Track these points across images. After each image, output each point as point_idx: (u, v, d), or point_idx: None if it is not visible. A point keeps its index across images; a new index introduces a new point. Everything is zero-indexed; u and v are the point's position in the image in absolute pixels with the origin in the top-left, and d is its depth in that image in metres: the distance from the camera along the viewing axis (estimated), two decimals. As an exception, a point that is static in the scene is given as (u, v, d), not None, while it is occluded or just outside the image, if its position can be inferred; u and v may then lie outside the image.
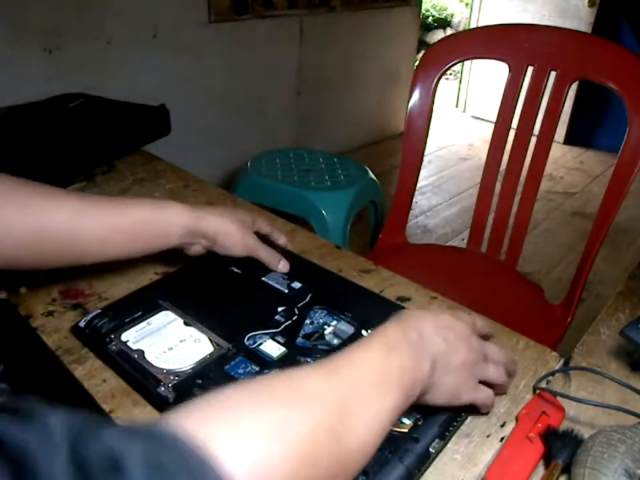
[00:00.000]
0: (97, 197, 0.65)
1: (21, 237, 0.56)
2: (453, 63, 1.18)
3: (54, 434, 0.23)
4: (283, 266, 0.72)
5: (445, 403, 0.48)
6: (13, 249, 0.57)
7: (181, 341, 0.60)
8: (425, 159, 1.48)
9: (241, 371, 0.56)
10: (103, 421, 0.26)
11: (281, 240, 0.76)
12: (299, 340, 0.61)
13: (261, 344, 0.60)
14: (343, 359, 0.41)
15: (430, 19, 6.20)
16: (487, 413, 0.53)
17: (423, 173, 1.89)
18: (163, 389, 0.53)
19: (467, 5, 5.86)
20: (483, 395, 0.51)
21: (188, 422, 0.29)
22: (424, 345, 0.45)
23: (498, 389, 0.54)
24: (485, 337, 0.55)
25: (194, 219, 0.66)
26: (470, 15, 4.14)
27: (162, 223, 0.65)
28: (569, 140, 3.70)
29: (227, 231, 0.68)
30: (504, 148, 1.17)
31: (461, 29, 6.02)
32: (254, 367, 0.56)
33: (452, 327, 0.49)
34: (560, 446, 0.48)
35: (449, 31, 6.14)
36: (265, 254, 0.71)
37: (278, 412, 0.33)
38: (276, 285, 0.70)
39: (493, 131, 1.18)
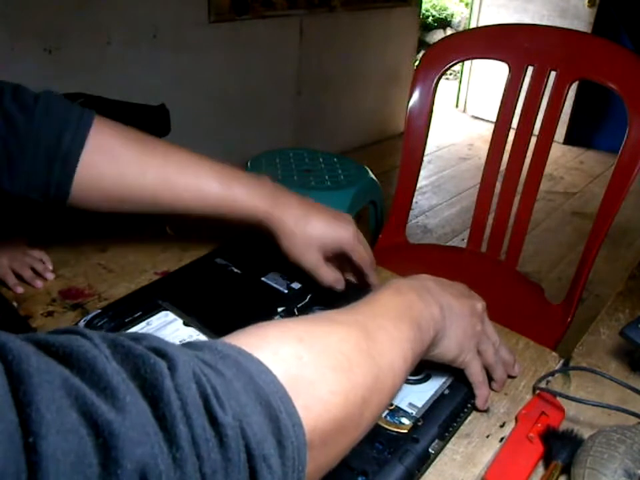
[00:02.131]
0: (181, 157, 0.62)
1: (111, 188, 0.60)
2: (453, 63, 1.18)
3: (93, 338, 0.25)
4: (339, 288, 0.65)
5: (453, 357, 0.49)
6: (101, 196, 0.60)
7: (181, 341, 0.59)
8: (425, 158, 1.48)
9: (240, 371, 0.56)
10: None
11: (371, 279, 0.67)
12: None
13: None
14: (358, 303, 0.43)
15: (430, 19, 6.20)
16: (486, 410, 0.54)
17: (423, 173, 1.89)
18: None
19: (466, 5, 5.86)
20: (477, 366, 0.51)
21: (224, 340, 0.32)
22: (430, 294, 0.47)
23: (495, 377, 0.55)
24: None
25: (263, 213, 0.62)
26: (470, 15, 4.14)
27: (234, 207, 0.62)
28: (569, 140, 3.69)
29: (287, 240, 0.63)
30: (504, 148, 1.17)
31: (461, 28, 6.02)
32: (254, 367, 0.56)
33: (453, 284, 0.52)
34: (560, 446, 0.48)
35: (449, 31, 6.14)
36: (321, 279, 0.64)
37: (302, 328, 0.36)
38: (276, 285, 0.70)
39: (493, 131, 1.18)
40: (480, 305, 0.53)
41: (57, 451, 0.20)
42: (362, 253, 0.65)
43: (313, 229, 0.62)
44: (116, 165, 0.59)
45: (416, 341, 0.42)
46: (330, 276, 0.64)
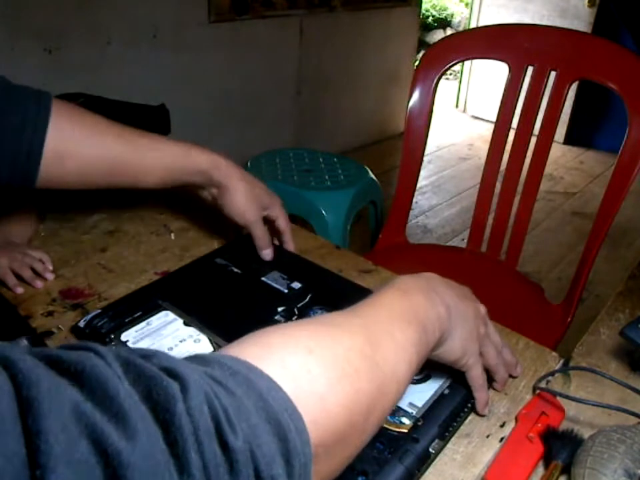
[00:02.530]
0: (140, 132, 0.69)
1: (76, 161, 0.64)
2: (453, 63, 1.18)
3: (106, 356, 0.25)
4: (267, 254, 0.74)
5: (455, 359, 0.49)
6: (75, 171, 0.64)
7: (181, 341, 0.59)
8: (425, 158, 1.48)
9: (240, 371, 0.56)
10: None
11: (289, 245, 0.78)
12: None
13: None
14: (362, 304, 0.43)
15: (430, 19, 6.20)
16: (483, 415, 0.53)
17: (423, 173, 1.89)
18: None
19: (466, 5, 5.86)
20: (478, 369, 0.51)
21: (229, 351, 0.32)
22: (437, 293, 0.47)
23: (496, 378, 0.54)
24: None
25: (212, 164, 0.70)
26: (470, 15, 4.14)
27: (187, 163, 0.70)
28: (569, 140, 3.69)
29: (234, 191, 0.71)
30: (504, 148, 1.17)
31: (461, 28, 6.02)
32: (254, 367, 0.56)
33: (459, 287, 0.51)
34: (560, 446, 0.48)
35: (449, 31, 6.14)
36: (258, 232, 0.73)
37: (308, 339, 0.35)
38: (276, 285, 0.70)
39: (493, 131, 1.18)
40: (483, 308, 0.53)
41: None
42: (286, 219, 0.76)
43: (256, 188, 0.73)
44: (78, 140, 0.64)
45: (421, 344, 0.42)
46: (266, 234, 0.73)
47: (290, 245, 0.78)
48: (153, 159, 0.68)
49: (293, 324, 0.38)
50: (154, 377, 0.25)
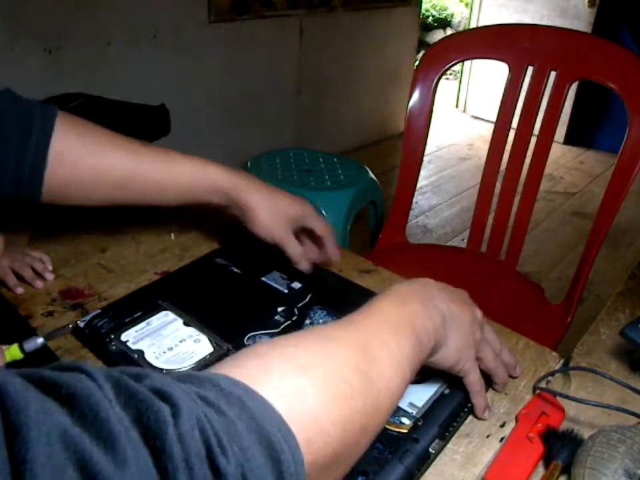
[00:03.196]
0: (151, 146, 0.66)
1: (84, 174, 0.61)
2: (453, 63, 1.18)
3: (98, 378, 0.25)
4: (304, 267, 0.70)
5: (451, 365, 0.49)
6: (75, 186, 0.61)
7: (181, 341, 0.59)
8: (425, 158, 1.48)
9: (240, 371, 0.56)
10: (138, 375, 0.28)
11: (332, 253, 0.72)
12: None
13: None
14: (358, 314, 0.43)
15: (430, 19, 6.20)
16: (483, 419, 0.53)
17: (423, 173, 1.89)
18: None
19: (466, 5, 5.86)
20: (475, 375, 0.51)
21: (224, 369, 0.32)
22: (433, 301, 0.47)
23: (496, 380, 0.54)
24: None
25: (230, 182, 0.67)
26: (470, 15, 4.14)
27: (205, 182, 0.66)
28: (569, 140, 3.69)
29: (256, 210, 0.67)
30: (504, 148, 1.17)
31: (461, 28, 6.02)
32: (254, 367, 0.56)
33: (455, 291, 0.51)
34: (560, 446, 0.48)
35: (449, 31, 6.13)
36: (289, 250, 0.69)
37: (303, 353, 0.35)
38: (276, 285, 0.70)
39: (493, 131, 1.18)
40: (479, 312, 0.52)
41: None
42: (323, 225, 0.71)
43: (280, 203, 0.69)
44: (86, 152, 0.61)
45: (415, 354, 0.42)
46: (297, 248, 0.69)
47: (332, 252, 0.72)
48: (167, 175, 0.65)
49: (288, 338, 0.38)
50: (145, 400, 0.25)
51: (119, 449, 0.22)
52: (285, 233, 0.69)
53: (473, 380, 0.51)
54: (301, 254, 0.70)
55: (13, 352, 0.56)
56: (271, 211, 0.68)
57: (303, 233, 0.73)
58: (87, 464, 0.21)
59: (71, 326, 0.62)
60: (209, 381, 0.29)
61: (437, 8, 6.37)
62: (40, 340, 0.58)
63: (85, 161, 0.61)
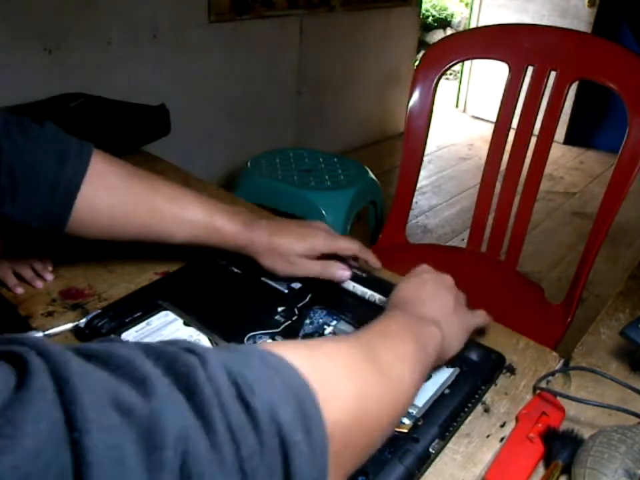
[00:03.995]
0: (169, 190, 0.67)
1: (102, 217, 0.63)
2: (453, 63, 1.18)
3: (128, 343, 0.28)
4: (342, 274, 0.68)
5: (461, 346, 0.54)
6: (100, 225, 0.64)
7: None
8: (425, 158, 1.48)
9: (240, 371, 0.56)
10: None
11: (375, 265, 0.72)
12: (299, 340, 0.61)
13: (260, 344, 0.59)
14: (358, 332, 0.44)
15: (430, 19, 6.20)
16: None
17: (423, 173, 1.89)
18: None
19: (466, 4, 5.86)
20: (481, 317, 0.59)
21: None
22: (422, 311, 0.50)
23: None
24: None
25: (236, 235, 0.67)
26: (470, 15, 4.14)
27: (215, 232, 0.67)
28: (569, 140, 3.69)
29: (266, 259, 0.68)
30: (504, 148, 1.17)
31: (461, 28, 6.01)
32: (254, 367, 0.56)
33: (428, 281, 0.55)
34: (560, 446, 0.48)
35: (449, 31, 6.13)
36: (317, 273, 0.68)
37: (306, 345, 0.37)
38: (276, 285, 0.70)
39: (493, 131, 1.17)
40: (462, 295, 0.58)
41: (101, 445, 0.21)
42: (342, 245, 0.68)
43: (285, 243, 0.67)
44: (111, 197, 0.63)
45: (421, 360, 0.44)
46: (323, 269, 0.68)
47: (373, 263, 0.71)
48: (173, 225, 0.66)
49: (289, 344, 0.41)
50: (174, 353, 0.27)
51: (155, 391, 0.24)
52: (305, 264, 0.68)
53: (482, 323, 0.60)
54: (331, 269, 0.68)
55: None
56: (277, 254, 0.67)
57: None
58: (127, 406, 0.23)
59: (71, 325, 0.62)
60: (230, 347, 0.33)
61: (437, 8, 6.37)
62: (39, 335, 0.58)
63: (107, 207, 0.63)
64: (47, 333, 0.61)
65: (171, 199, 0.66)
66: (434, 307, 0.52)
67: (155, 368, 0.26)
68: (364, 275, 0.71)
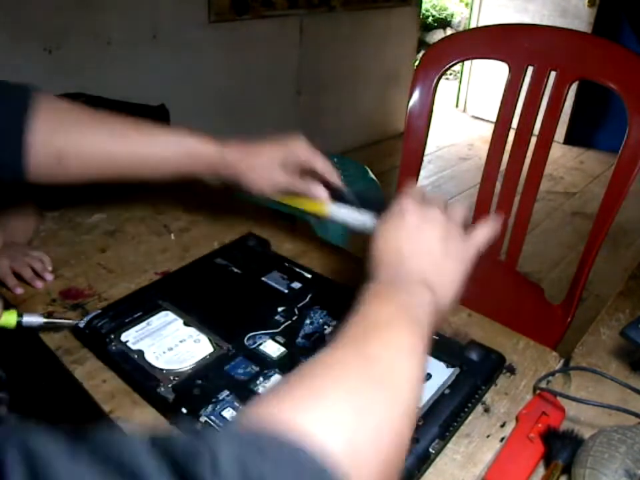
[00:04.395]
0: (129, 125, 0.65)
1: (68, 155, 0.60)
2: (453, 63, 1.17)
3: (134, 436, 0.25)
4: (323, 191, 0.68)
5: (458, 288, 0.50)
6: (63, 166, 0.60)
7: (181, 341, 0.59)
8: (425, 158, 1.48)
9: (240, 371, 0.56)
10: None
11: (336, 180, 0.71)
12: (299, 340, 0.61)
13: (260, 344, 0.60)
14: (351, 325, 0.40)
15: (430, 19, 6.20)
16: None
17: (423, 173, 1.89)
18: (162, 389, 0.53)
19: (466, 4, 5.85)
20: (481, 234, 0.52)
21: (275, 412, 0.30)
22: (407, 270, 0.46)
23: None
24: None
25: (217, 155, 0.66)
26: (470, 15, 4.14)
27: (188, 156, 0.66)
28: (569, 140, 3.69)
29: (250, 169, 0.66)
30: (504, 148, 1.17)
31: (461, 28, 6.01)
32: (254, 367, 0.56)
33: (409, 225, 0.49)
34: (560, 446, 0.48)
35: (449, 31, 6.13)
36: (301, 186, 0.68)
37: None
38: (276, 285, 0.70)
39: (493, 131, 1.17)
40: (453, 227, 0.52)
41: None
42: (319, 161, 0.68)
43: (268, 152, 0.66)
44: (69, 129, 0.61)
45: (420, 345, 0.39)
46: (310, 185, 0.67)
47: (337, 181, 0.71)
48: (152, 154, 0.65)
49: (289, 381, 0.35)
50: (182, 445, 0.24)
51: None
52: (286, 179, 0.67)
53: (484, 241, 0.53)
54: (316, 186, 0.69)
55: (9, 317, 0.56)
56: (263, 166, 0.66)
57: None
58: None
59: (71, 321, 0.61)
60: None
61: (437, 8, 6.37)
62: (40, 319, 0.58)
63: (67, 142, 0.61)
64: (48, 320, 0.60)
65: (134, 126, 0.64)
66: (420, 262, 0.47)
67: (153, 460, 0.23)
68: (346, 190, 0.69)
